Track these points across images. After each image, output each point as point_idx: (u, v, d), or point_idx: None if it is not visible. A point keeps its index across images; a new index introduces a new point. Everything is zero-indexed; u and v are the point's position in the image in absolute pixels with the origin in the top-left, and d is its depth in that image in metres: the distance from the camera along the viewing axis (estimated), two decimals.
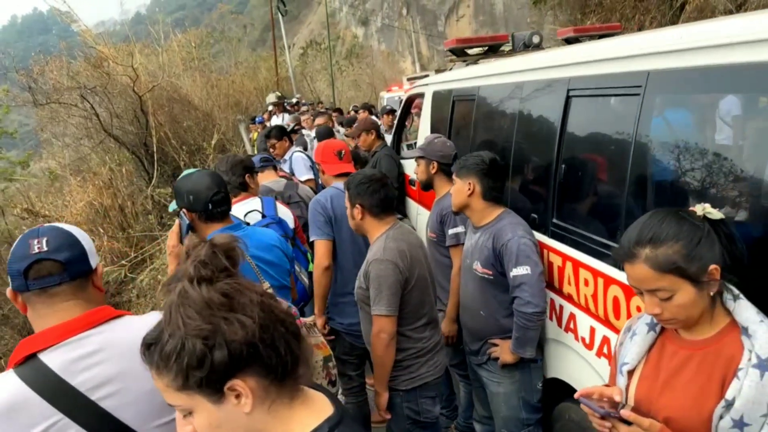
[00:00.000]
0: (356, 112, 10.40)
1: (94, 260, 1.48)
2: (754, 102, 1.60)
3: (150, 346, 0.92)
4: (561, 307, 2.51)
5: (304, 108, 12.63)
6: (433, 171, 3.28)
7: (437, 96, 4.21)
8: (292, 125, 7.84)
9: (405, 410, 2.50)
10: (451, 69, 4.39)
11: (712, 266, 1.34)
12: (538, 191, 2.69)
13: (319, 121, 8.17)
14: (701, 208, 1.42)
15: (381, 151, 5.32)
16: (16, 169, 16.74)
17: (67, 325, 1.37)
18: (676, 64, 1.83)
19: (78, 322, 1.38)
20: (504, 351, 2.55)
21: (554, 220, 2.50)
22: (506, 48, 4.41)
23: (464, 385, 3.39)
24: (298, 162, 5.53)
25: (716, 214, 1.41)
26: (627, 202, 2.01)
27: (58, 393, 1.30)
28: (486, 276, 2.56)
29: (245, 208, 3.06)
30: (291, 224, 3.15)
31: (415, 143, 5.39)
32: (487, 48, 4.33)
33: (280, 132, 5.67)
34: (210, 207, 2.32)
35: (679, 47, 1.81)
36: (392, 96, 14.46)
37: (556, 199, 2.49)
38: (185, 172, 2.54)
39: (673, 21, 11.79)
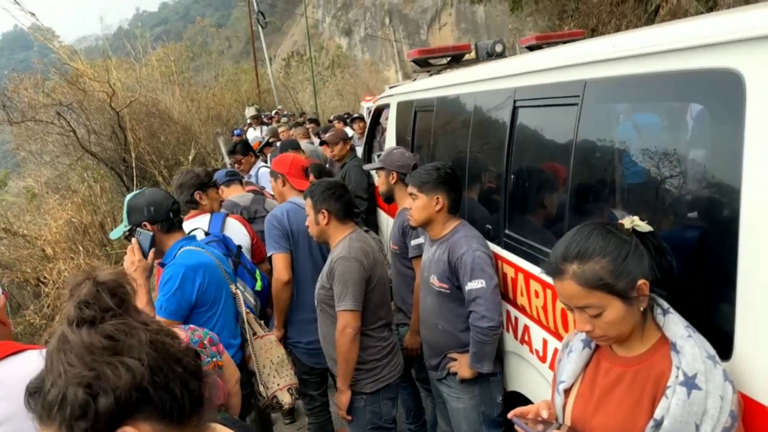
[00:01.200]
0: (330, 122, 10.43)
1: None
2: (682, 110, 1.59)
3: (33, 394, 0.86)
4: (516, 318, 2.48)
5: (283, 119, 12.59)
6: (393, 181, 3.28)
7: (401, 107, 4.20)
8: (267, 138, 7.80)
9: (367, 414, 2.58)
10: (414, 80, 4.38)
11: (641, 281, 1.32)
12: (492, 202, 2.67)
13: (297, 132, 8.15)
14: (629, 221, 1.40)
15: (350, 161, 5.31)
16: None
17: None
18: (610, 72, 1.82)
19: None
20: (462, 366, 2.51)
21: (506, 231, 2.48)
22: (470, 57, 4.41)
23: (431, 399, 3.35)
24: (264, 177, 5.50)
25: (644, 226, 1.39)
26: (570, 211, 1.99)
27: None
28: (443, 290, 2.53)
29: (190, 226, 3.04)
30: (243, 241, 3.12)
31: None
32: (450, 58, 4.32)
33: (245, 147, 5.67)
34: (171, 216, 2.46)
35: (613, 56, 1.80)
36: (369, 105, 14.49)
37: (508, 209, 2.47)
38: (132, 193, 2.56)
39: (649, 24, 11.92)
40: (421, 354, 3.14)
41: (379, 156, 5.72)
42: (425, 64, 4.29)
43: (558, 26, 15.17)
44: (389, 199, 3.42)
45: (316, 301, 2.66)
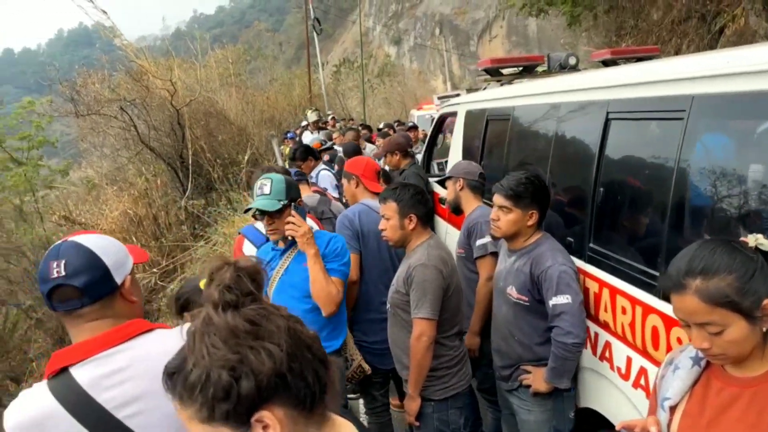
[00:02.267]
0: (380, 130, 10.50)
1: (120, 275, 1.44)
2: None
3: (172, 375, 0.88)
4: (596, 334, 2.43)
5: (338, 125, 12.76)
6: (460, 188, 3.31)
7: (470, 115, 4.20)
8: (323, 140, 7.93)
9: (435, 421, 2.56)
10: (484, 88, 4.38)
11: (766, 300, 1.28)
12: (575, 214, 2.63)
13: (349, 136, 8.25)
14: (753, 239, 1.36)
15: (410, 169, 5.32)
16: (56, 177, 17.33)
17: (96, 341, 1.37)
18: (721, 89, 1.77)
19: (106, 337, 1.38)
20: (537, 379, 2.48)
21: (591, 245, 2.44)
22: (541, 69, 4.38)
23: (492, 411, 3.32)
24: (324, 180, 5.58)
25: None
26: (669, 228, 1.95)
27: (86, 410, 1.29)
28: (521, 302, 2.50)
29: None
30: None
31: (446, 162, 5.37)
32: (521, 68, 4.30)
33: (305, 153, 5.75)
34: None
35: (726, 72, 1.76)
36: (423, 114, 14.51)
37: (594, 223, 2.43)
38: (274, 174, 2.69)
39: (712, 45, 11.60)
40: (482, 363, 3.13)
41: (438, 163, 5.75)
42: (496, 73, 4.29)
43: (615, 43, 14.91)
44: (457, 209, 3.42)
45: (388, 305, 2.67)
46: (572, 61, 4.21)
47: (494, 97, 3.72)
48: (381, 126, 11.43)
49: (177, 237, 10.62)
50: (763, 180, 1.65)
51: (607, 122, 2.36)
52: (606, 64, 4.11)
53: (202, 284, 2.24)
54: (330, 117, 14.28)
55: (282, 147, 12.87)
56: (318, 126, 11.71)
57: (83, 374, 1.32)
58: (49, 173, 17.04)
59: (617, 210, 2.32)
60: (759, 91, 1.62)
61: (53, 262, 1.34)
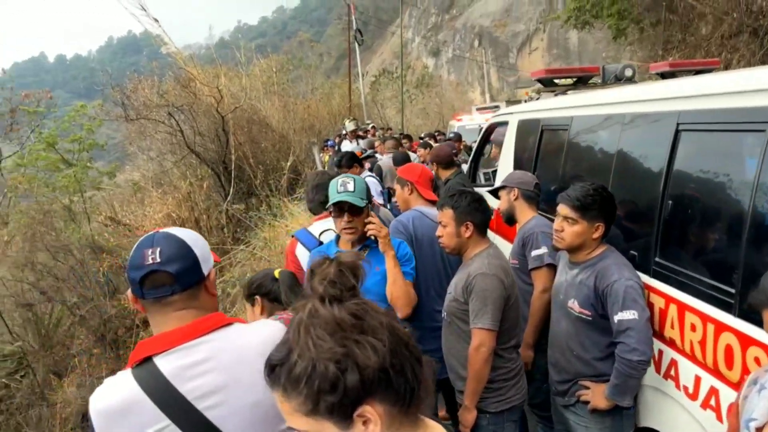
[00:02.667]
0: (421, 138, 10.49)
1: (206, 267, 1.48)
2: None
3: (275, 367, 0.88)
4: (661, 352, 2.36)
5: (378, 133, 12.83)
6: (514, 198, 3.26)
7: (523, 125, 4.16)
8: (366, 149, 7.97)
9: None
10: (537, 98, 4.33)
11: None
12: (639, 228, 2.57)
13: (388, 144, 8.28)
14: None
15: (454, 179, 5.28)
16: (104, 179, 17.92)
17: (180, 331, 1.39)
18: None
19: (190, 328, 1.40)
20: (597, 395, 2.41)
21: (657, 259, 2.37)
22: (596, 80, 4.32)
23: (543, 427, 3.24)
24: (369, 186, 5.59)
25: None
26: (747, 244, 1.87)
27: (168, 399, 1.32)
28: (583, 316, 2.44)
29: (322, 227, 3.13)
30: None
31: (494, 171, 5.33)
32: (576, 79, 4.25)
33: (351, 160, 5.79)
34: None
35: None
36: (462, 125, 14.49)
37: (661, 236, 2.36)
38: (349, 175, 2.69)
39: (764, 60, 11.26)
40: (535, 377, 3.06)
41: (485, 173, 5.71)
42: (550, 83, 4.24)
43: (661, 57, 14.61)
44: (510, 219, 3.37)
45: (444, 313, 2.64)
46: (628, 72, 4.14)
47: (550, 106, 3.67)
48: (422, 135, 11.43)
49: (218, 240, 10.82)
50: None
51: (677, 133, 2.30)
52: (664, 76, 4.02)
53: (276, 273, 2.33)
54: (370, 126, 14.37)
55: (321, 155, 13.01)
56: (356, 135, 11.79)
57: (167, 364, 1.34)
58: (96, 175, 17.66)
59: (688, 224, 2.25)
60: None
61: (148, 250, 1.38)
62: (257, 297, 2.30)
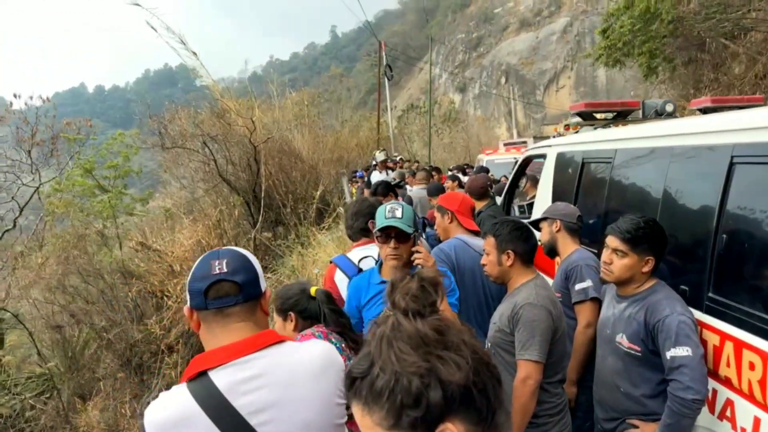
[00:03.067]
0: (450, 171, 10.52)
1: (263, 284, 1.51)
2: None
3: (356, 380, 0.87)
4: (715, 391, 2.26)
5: (406, 164, 12.93)
6: (556, 229, 3.22)
7: (562, 158, 4.14)
8: (397, 180, 8.02)
9: None
10: (576, 132, 4.32)
11: None
12: (690, 262, 2.50)
13: (419, 176, 8.32)
14: None
15: (486, 210, 5.24)
16: (136, 206, 18.33)
17: (236, 346, 1.40)
18: None
19: (246, 343, 1.41)
20: None
21: (711, 294, 2.30)
22: (635, 115, 4.30)
23: None
24: None
25: None
26: None
27: (223, 413, 1.32)
28: (632, 351, 2.36)
29: (361, 254, 3.13)
30: None
31: (528, 204, 5.29)
32: (615, 113, 4.23)
33: (386, 188, 5.81)
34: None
35: None
36: (491, 159, 14.52)
37: (714, 271, 2.29)
38: (398, 204, 2.61)
39: None
40: (577, 414, 2.96)
41: (519, 206, 5.67)
42: (589, 117, 4.23)
43: (693, 96, 14.53)
44: (552, 251, 3.33)
45: (488, 344, 2.59)
46: (669, 108, 4.11)
47: (592, 139, 3.65)
48: (451, 168, 11.48)
49: None
50: None
51: (731, 166, 2.26)
52: (705, 112, 3.98)
53: (312, 291, 2.32)
54: (398, 158, 14.50)
55: (350, 185, 13.12)
56: (386, 166, 11.89)
57: (221, 378, 1.35)
58: (130, 201, 18.08)
59: (744, 258, 2.19)
60: None
61: (214, 261, 1.42)
62: (291, 313, 2.31)
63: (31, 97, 15.30)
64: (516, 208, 5.55)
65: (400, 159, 14.10)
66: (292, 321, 2.32)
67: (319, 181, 13.02)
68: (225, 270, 1.41)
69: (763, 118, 2.21)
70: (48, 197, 16.02)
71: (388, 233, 2.45)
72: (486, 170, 10.41)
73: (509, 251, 2.50)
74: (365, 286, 2.62)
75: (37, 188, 14.39)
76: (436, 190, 5.29)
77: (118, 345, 10.47)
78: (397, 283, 0.95)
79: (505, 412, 0.92)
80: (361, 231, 3.24)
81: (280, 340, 1.47)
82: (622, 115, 4.21)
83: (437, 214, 3.44)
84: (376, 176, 11.29)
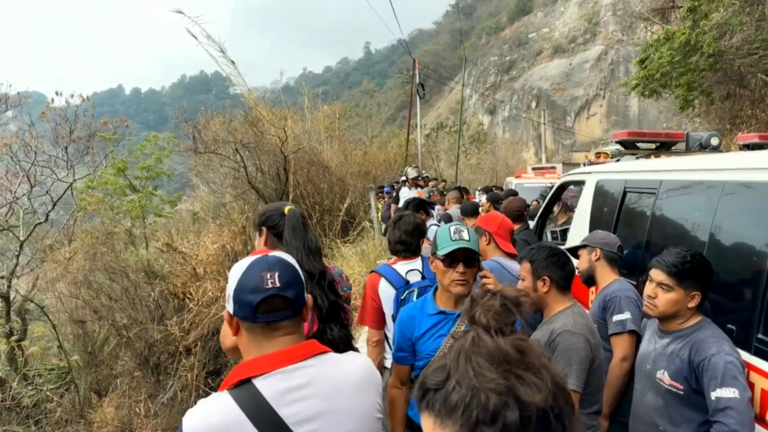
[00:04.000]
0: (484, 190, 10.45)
1: (306, 294, 1.48)
2: None
3: (429, 391, 0.85)
4: None
5: (430, 183, 12.92)
6: (596, 258, 3.15)
7: (602, 185, 4.07)
8: (426, 196, 8.01)
9: None
10: (617, 160, 4.26)
11: None
12: (739, 301, 2.42)
13: (450, 196, 8.30)
14: None
15: (519, 234, 5.19)
16: (165, 207, 18.63)
17: (282, 355, 1.37)
18: None
19: (292, 352, 1.39)
20: None
21: (760, 336, 2.21)
22: (679, 147, 4.23)
23: None
24: (430, 232, 5.56)
25: None
26: None
27: (267, 421, 1.29)
28: (674, 389, 2.28)
29: (405, 268, 3.08)
30: None
31: (562, 230, 5.21)
32: (659, 144, 4.17)
33: (418, 206, 5.78)
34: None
35: None
36: (520, 182, 14.41)
37: (765, 311, 2.21)
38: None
39: None
40: None
41: (552, 232, 5.59)
42: (632, 146, 4.17)
43: (729, 131, 14.27)
44: (590, 280, 3.25)
45: None
46: (714, 141, 4.04)
47: (636, 168, 3.58)
48: (479, 188, 11.43)
49: None
50: None
51: None
52: (750, 148, 3.89)
53: (286, 210, 2.37)
54: (426, 176, 14.52)
55: (377, 201, 13.16)
56: (416, 183, 11.90)
57: (267, 386, 1.32)
58: (159, 202, 18.39)
59: None
60: None
61: (266, 273, 1.36)
62: (263, 228, 2.41)
63: (72, 96, 15.74)
64: (549, 234, 5.47)
65: (427, 176, 14.11)
66: (262, 235, 2.40)
67: (346, 194, 13.09)
68: (278, 284, 1.36)
69: None
70: (81, 194, 16.38)
71: (455, 257, 2.25)
72: (515, 193, 10.33)
73: (545, 277, 2.45)
74: (419, 317, 2.38)
75: (71, 184, 14.73)
76: (472, 209, 5.26)
77: (137, 344, 10.56)
78: (478, 299, 0.94)
79: None
80: (415, 249, 3.16)
81: (324, 351, 1.45)
82: (665, 146, 4.14)
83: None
84: (405, 192, 11.30)
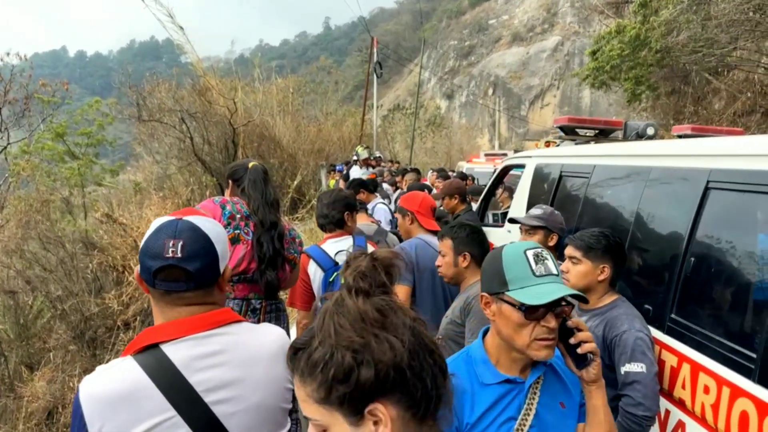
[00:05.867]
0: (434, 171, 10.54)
1: (224, 264, 1.40)
2: None
3: (298, 351, 0.89)
4: (668, 411, 2.27)
5: (384, 164, 12.89)
6: (552, 243, 3.16)
7: (541, 169, 4.14)
8: (374, 178, 8.00)
9: None
10: (557, 145, 4.33)
11: None
12: (657, 282, 2.51)
13: (409, 177, 8.32)
14: None
15: (464, 215, 5.25)
16: (106, 176, 17.87)
17: (193, 321, 1.32)
18: None
19: (205, 319, 1.34)
20: None
21: (673, 316, 2.30)
22: (617, 135, 4.33)
23: None
24: (379, 213, 5.57)
25: None
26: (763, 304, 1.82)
27: (176, 388, 1.24)
28: None
29: (335, 247, 3.05)
30: None
31: (503, 213, 5.29)
32: (598, 131, 4.26)
33: (357, 186, 5.80)
34: None
35: None
36: (471, 167, 14.58)
37: (679, 293, 2.30)
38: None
39: None
40: None
41: (494, 214, 5.66)
42: (572, 132, 4.25)
43: (673, 126, 14.84)
44: None
45: (440, 335, 2.58)
46: (650, 131, 4.15)
47: (572, 153, 3.65)
48: (433, 169, 11.51)
49: None
50: None
51: (706, 191, 2.27)
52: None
53: (250, 165, 2.57)
54: (379, 156, 14.47)
55: (328, 178, 13.03)
56: (367, 163, 11.85)
57: (177, 352, 1.27)
58: (100, 171, 17.62)
59: (710, 283, 2.20)
60: None
61: (170, 240, 1.28)
62: (230, 181, 2.66)
63: (8, 54, 14.73)
64: (491, 216, 5.55)
65: (380, 157, 14.07)
66: (229, 188, 2.67)
67: (297, 170, 12.90)
68: (179, 255, 1.27)
69: (743, 146, 2.22)
70: (15, 158, 15.50)
71: (549, 308, 1.38)
72: (465, 177, 10.45)
73: (465, 253, 2.54)
74: (469, 391, 1.47)
75: (5, 148, 13.87)
76: (420, 190, 5.26)
77: (73, 317, 10.16)
78: (351, 261, 0.95)
79: (447, 405, 0.91)
80: (337, 222, 3.14)
81: (239, 320, 1.40)
82: (603, 134, 4.24)
83: (398, 216, 3.40)
84: (356, 172, 11.23)
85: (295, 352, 0.89)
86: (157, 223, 1.36)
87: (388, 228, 5.03)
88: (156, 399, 1.20)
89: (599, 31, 17.29)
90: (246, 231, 2.63)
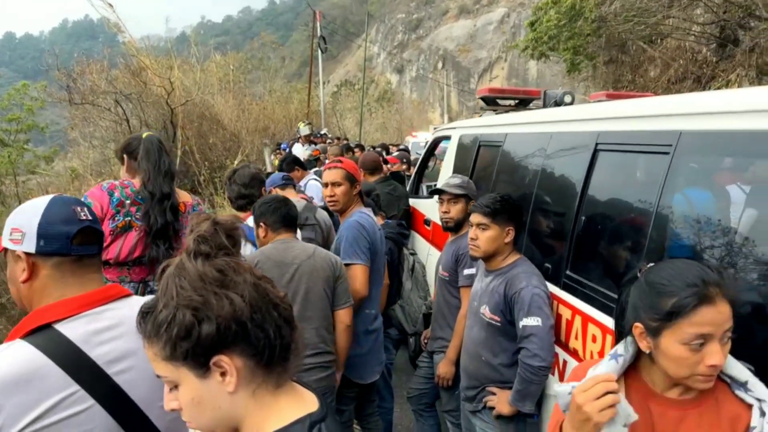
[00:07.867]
0: (373, 148, 10.61)
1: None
2: None
3: (145, 314, 0.93)
4: (565, 362, 2.42)
5: (329, 141, 12.83)
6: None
7: (463, 140, 4.24)
8: (318, 155, 7.98)
9: None
10: (480, 116, 4.43)
11: None
12: (554, 242, 2.64)
13: (332, 150, 8.33)
14: None
15: (381, 185, 5.22)
16: (40, 164, 17.04)
17: (86, 298, 1.35)
18: (708, 126, 1.81)
19: (97, 294, 1.38)
20: (501, 401, 2.45)
21: (567, 272, 2.44)
22: (537, 104, 4.45)
23: None
24: (311, 189, 5.60)
25: None
26: (646, 260, 1.95)
27: (77, 364, 1.26)
28: (493, 322, 2.49)
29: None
30: None
31: (435, 184, 5.39)
32: (518, 101, 4.37)
33: (291, 164, 5.83)
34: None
35: (713, 110, 1.80)
36: (416, 141, 14.71)
37: (572, 251, 2.44)
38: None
39: None
40: (449, 385, 3.08)
41: (428, 186, 5.76)
42: (493, 102, 4.35)
43: None
44: (458, 226, 3.31)
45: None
46: (567, 99, 4.27)
47: (488, 123, 3.75)
48: (374, 146, 11.54)
49: None
50: (744, 217, 1.68)
51: (595, 153, 2.39)
52: None
53: (144, 135, 2.65)
54: (323, 133, 14.38)
55: (273, 157, 12.87)
56: (310, 140, 11.76)
57: (73, 329, 1.29)
58: (33, 158, 16.81)
59: (596, 240, 2.34)
60: (740, 130, 1.66)
61: (77, 207, 1.37)
62: (124, 156, 2.70)
63: None
64: (425, 188, 5.65)
65: (324, 134, 13.98)
66: (125, 164, 2.71)
67: (239, 150, 12.67)
68: (89, 217, 1.38)
69: (624, 109, 2.35)
70: None
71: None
72: (407, 150, 10.56)
73: (261, 223, 2.69)
74: None
75: None
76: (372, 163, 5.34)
77: (13, 310, 9.81)
78: (194, 227, 0.98)
79: (295, 353, 0.98)
80: (254, 198, 3.14)
81: (128, 295, 1.46)
82: (523, 103, 4.35)
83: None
84: (299, 149, 11.14)
85: (143, 316, 0.93)
86: (39, 202, 1.39)
87: (320, 204, 5.05)
88: (55, 375, 1.21)
89: (538, 2, 17.52)
90: (138, 216, 2.62)
